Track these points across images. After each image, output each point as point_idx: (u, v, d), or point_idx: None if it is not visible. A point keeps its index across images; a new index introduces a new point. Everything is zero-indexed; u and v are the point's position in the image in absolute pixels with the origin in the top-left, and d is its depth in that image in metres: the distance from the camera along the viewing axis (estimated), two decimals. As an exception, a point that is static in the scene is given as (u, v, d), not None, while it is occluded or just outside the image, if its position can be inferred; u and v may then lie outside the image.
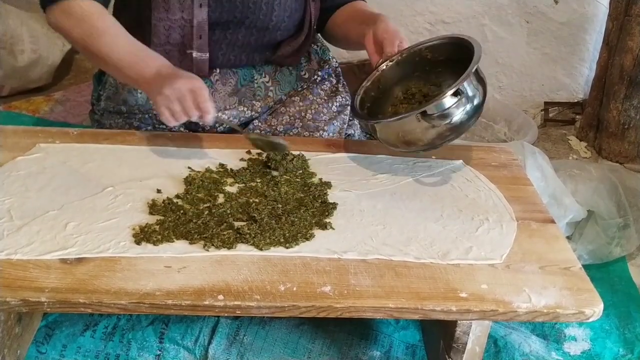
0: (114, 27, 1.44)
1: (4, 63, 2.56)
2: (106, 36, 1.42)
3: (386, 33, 1.44)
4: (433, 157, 1.51)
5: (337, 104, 1.68)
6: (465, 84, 1.29)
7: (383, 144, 1.41)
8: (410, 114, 1.31)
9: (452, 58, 1.42)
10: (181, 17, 1.48)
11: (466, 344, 1.20)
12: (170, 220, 1.21)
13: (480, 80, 1.36)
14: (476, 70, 1.34)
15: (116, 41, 1.42)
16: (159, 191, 1.30)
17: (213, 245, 1.15)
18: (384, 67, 1.48)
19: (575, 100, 2.62)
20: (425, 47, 1.48)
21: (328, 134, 1.62)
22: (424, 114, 1.29)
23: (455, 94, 1.29)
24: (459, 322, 1.17)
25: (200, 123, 1.42)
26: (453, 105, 1.29)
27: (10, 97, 2.59)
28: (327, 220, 1.25)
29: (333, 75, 1.74)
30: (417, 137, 1.34)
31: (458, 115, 1.31)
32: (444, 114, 1.29)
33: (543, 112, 2.62)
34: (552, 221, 1.31)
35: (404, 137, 1.35)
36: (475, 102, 1.33)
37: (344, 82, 1.76)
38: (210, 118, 1.34)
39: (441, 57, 1.47)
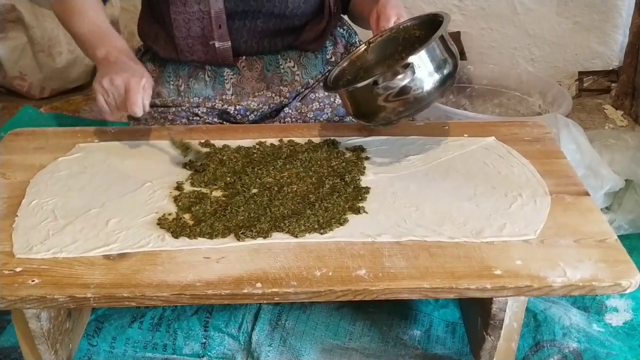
0: (88, 6, 1.51)
1: (44, 65, 2.63)
2: (78, 14, 1.50)
3: (384, 8, 1.42)
4: (465, 135, 1.51)
5: (366, 87, 1.68)
6: (419, 58, 1.26)
7: (352, 118, 1.40)
8: (361, 84, 1.29)
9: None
10: (198, 9, 1.51)
11: (503, 320, 1.21)
12: (209, 213, 1.24)
13: (450, 54, 1.32)
14: (445, 43, 1.31)
15: (83, 19, 1.49)
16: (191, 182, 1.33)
17: (249, 236, 1.17)
18: (373, 41, 1.46)
19: (610, 68, 2.58)
20: (414, 25, 1.44)
21: (358, 118, 1.63)
22: (375, 85, 1.27)
23: (406, 67, 1.26)
24: (494, 299, 1.18)
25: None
26: (400, 78, 1.26)
27: (50, 99, 2.66)
28: (360, 204, 1.27)
29: (361, 58, 1.74)
30: (372, 109, 1.32)
31: (410, 89, 1.28)
32: (392, 86, 1.27)
33: (577, 82, 2.59)
34: (587, 193, 1.31)
35: (362, 108, 1.35)
36: (435, 77, 1.29)
37: (372, 65, 1.76)
38: (137, 112, 1.34)
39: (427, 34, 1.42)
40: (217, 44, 1.55)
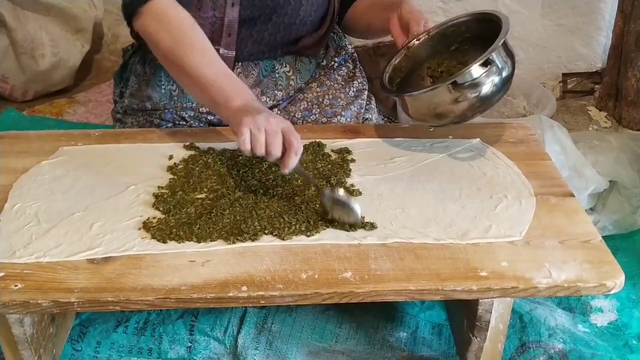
0: (205, 42, 1.40)
1: (26, 68, 2.61)
2: (197, 50, 1.37)
3: (411, 13, 1.46)
4: (450, 137, 1.51)
5: (354, 89, 1.69)
6: (494, 54, 1.31)
7: (414, 120, 1.43)
8: (441, 84, 1.33)
9: (479, 35, 1.43)
10: (213, 15, 1.50)
11: (489, 321, 1.22)
12: (194, 216, 1.23)
13: (509, 52, 1.37)
14: (505, 43, 1.35)
15: (207, 59, 1.37)
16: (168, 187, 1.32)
17: (238, 239, 1.17)
18: (412, 46, 1.49)
19: (594, 70, 2.60)
20: (451, 25, 1.49)
21: (345, 119, 1.64)
22: (454, 85, 1.31)
23: (484, 64, 1.30)
24: (480, 300, 1.18)
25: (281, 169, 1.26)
26: (483, 75, 1.31)
27: (33, 101, 2.64)
28: (347, 206, 1.26)
29: (349, 60, 1.75)
30: (448, 109, 1.35)
31: (488, 85, 1.32)
32: (474, 84, 1.31)
33: (561, 84, 2.60)
34: (572, 195, 1.32)
35: (435, 109, 1.37)
36: (504, 73, 1.34)
37: (361, 67, 1.77)
38: (293, 162, 1.23)
39: (467, 34, 1.49)
40: (221, 50, 1.54)
